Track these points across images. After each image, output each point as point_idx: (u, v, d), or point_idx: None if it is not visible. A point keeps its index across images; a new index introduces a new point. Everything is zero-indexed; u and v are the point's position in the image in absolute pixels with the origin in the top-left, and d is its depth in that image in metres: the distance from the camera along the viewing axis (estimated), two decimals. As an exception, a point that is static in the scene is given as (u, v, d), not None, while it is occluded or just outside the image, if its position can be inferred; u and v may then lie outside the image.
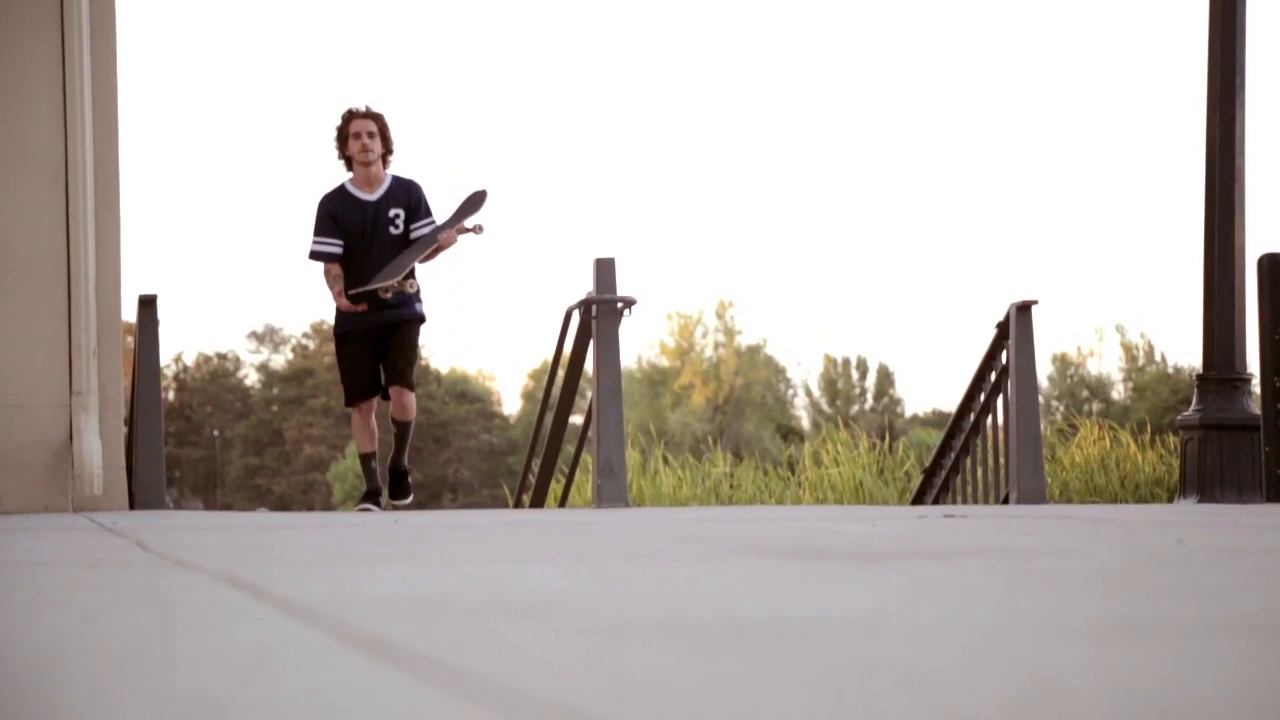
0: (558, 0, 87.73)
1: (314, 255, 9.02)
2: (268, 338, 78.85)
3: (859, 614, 2.17)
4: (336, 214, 9.01)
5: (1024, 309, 10.43)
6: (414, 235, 9.03)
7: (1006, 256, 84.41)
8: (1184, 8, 78.14)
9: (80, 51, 8.64)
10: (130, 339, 10.49)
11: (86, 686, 1.55)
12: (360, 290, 8.92)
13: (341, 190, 9.10)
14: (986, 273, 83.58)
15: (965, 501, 11.05)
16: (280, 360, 78.78)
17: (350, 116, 9.07)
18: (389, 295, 8.91)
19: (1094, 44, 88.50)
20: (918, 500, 11.76)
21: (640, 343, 75.31)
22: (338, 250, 8.97)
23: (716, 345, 73.75)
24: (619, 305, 9.89)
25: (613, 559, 3.54)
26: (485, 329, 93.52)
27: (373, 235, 8.98)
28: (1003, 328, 10.59)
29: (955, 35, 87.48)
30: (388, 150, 9.10)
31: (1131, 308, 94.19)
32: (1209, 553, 3.67)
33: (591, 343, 10.08)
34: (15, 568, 3.52)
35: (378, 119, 9.06)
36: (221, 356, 79.03)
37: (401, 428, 9.25)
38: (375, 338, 9.06)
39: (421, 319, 9.18)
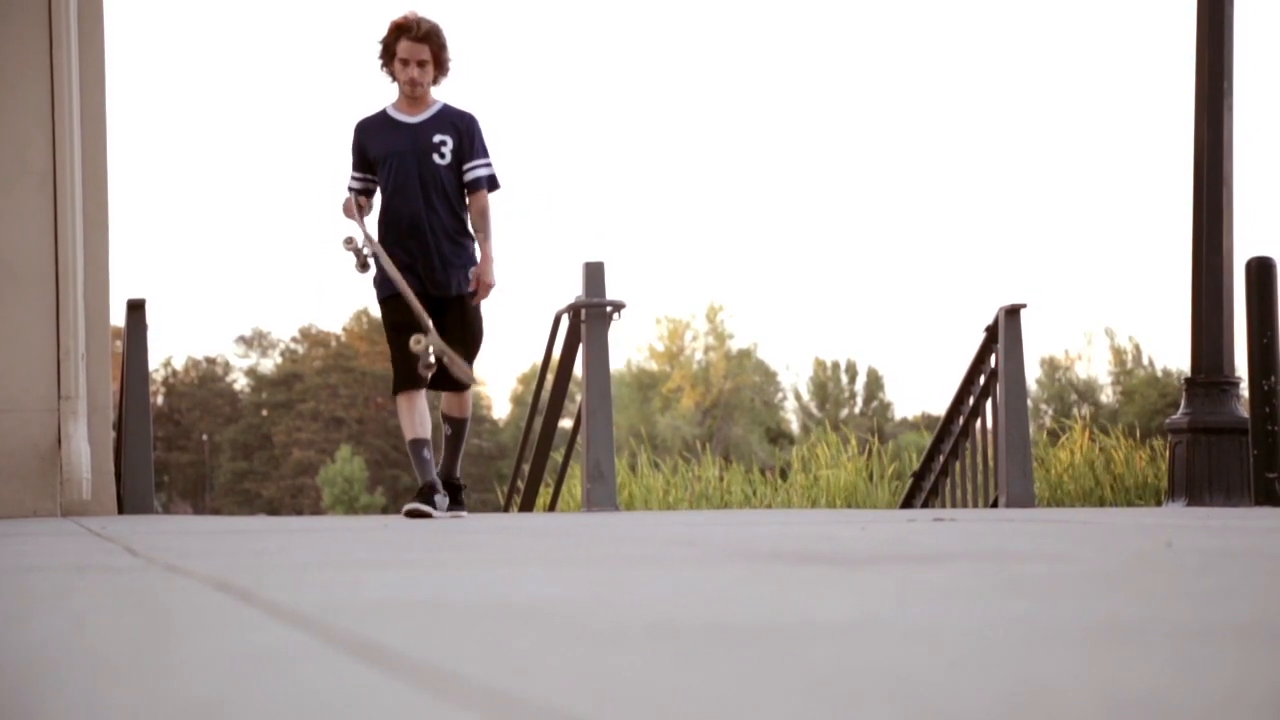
0: (547, 4, 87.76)
1: (348, 192, 7.90)
2: (256, 342, 78.78)
3: (849, 618, 2.17)
4: (365, 143, 7.82)
5: (1013, 312, 10.44)
6: (468, 178, 7.77)
7: (995, 260, 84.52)
8: (1172, 12, 78.32)
9: (68, 57, 8.64)
10: (119, 343, 10.48)
11: (75, 691, 1.55)
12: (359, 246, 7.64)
13: (380, 113, 7.89)
14: (975, 276, 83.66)
15: (954, 505, 11.06)
16: (269, 364, 78.73)
17: (399, 34, 7.71)
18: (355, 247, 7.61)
19: (1082, 48, 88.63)
20: (907, 504, 11.77)
21: (630, 347, 75.38)
22: (367, 187, 7.87)
23: (707, 349, 73.76)
24: (608, 309, 9.89)
25: (602, 563, 3.54)
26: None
27: (415, 162, 7.71)
28: (991, 331, 10.60)
29: (943, 39, 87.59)
30: (440, 73, 7.81)
31: (1120, 311, 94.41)
32: (1198, 556, 3.67)
33: (581, 347, 10.09)
34: (3, 573, 3.51)
35: (432, 40, 7.70)
36: (210, 361, 78.95)
37: (456, 427, 8.10)
38: (423, 297, 7.74)
39: (477, 291, 7.88)
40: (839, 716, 1.34)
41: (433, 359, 7.60)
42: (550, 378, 11.38)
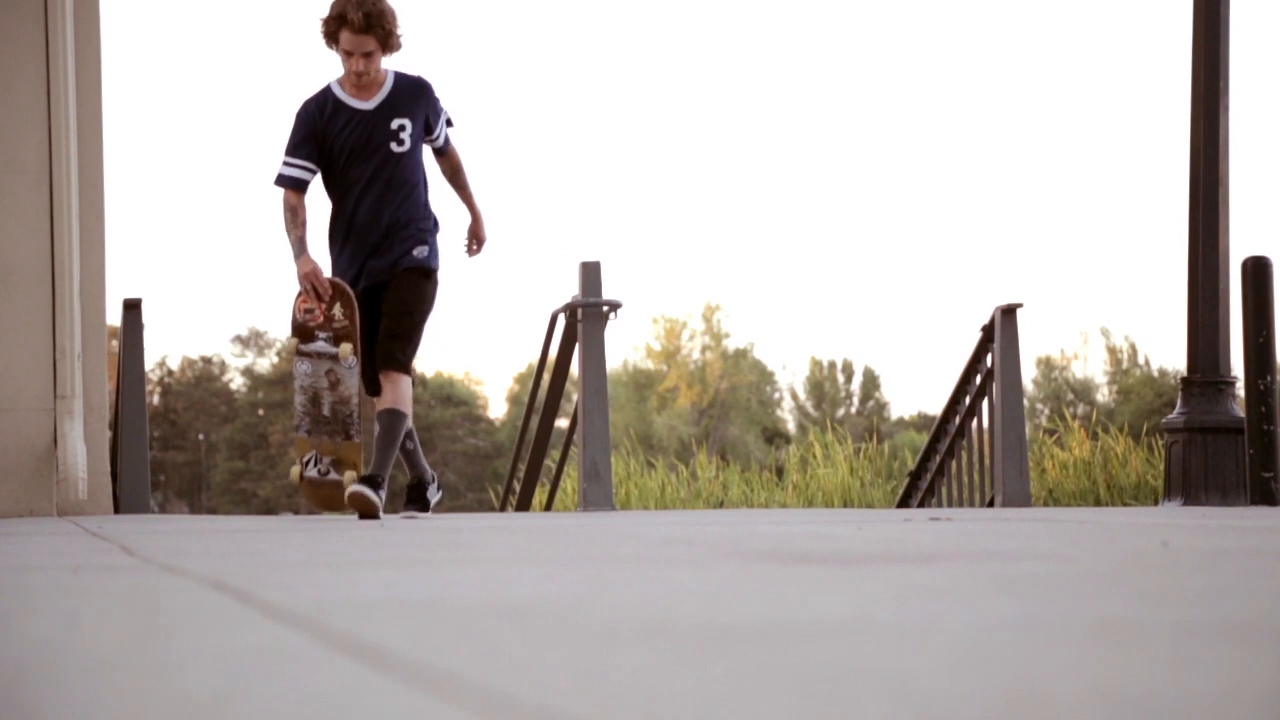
0: (543, 3, 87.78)
1: (279, 180, 7.07)
2: (252, 341, 78.75)
3: (845, 618, 2.17)
4: (317, 128, 7.02)
5: (1009, 312, 10.45)
6: (439, 144, 7.21)
7: (991, 259, 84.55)
8: (1168, 11, 78.39)
9: (64, 56, 8.63)
10: (115, 343, 10.48)
11: (72, 691, 1.55)
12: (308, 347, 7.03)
13: (328, 95, 7.08)
14: (971, 276, 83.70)
15: (950, 504, 11.06)
16: (265, 364, 78.66)
17: (340, 24, 6.88)
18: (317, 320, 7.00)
19: (1078, 47, 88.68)
20: (903, 503, 11.77)
21: (626, 346, 75.37)
22: (307, 176, 7.05)
23: (703, 349, 73.77)
24: (604, 309, 9.89)
25: (598, 563, 3.54)
26: (471, 332, 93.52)
27: (369, 155, 7.00)
28: (987, 331, 10.61)
29: (939, 39, 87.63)
30: (391, 51, 7.00)
31: (1116, 311, 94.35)
32: (1194, 555, 3.67)
33: (577, 346, 10.09)
34: (0, 572, 3.51)
35: (377, 31, 6.87)
36: (206, 360, 78.89)
37: (388, 419, 6.99)
38: (372, 301, 7.10)
39: (427, 269, 7.07)
40: (835, 716, 1.34)
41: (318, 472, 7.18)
42: (547, 377, 11.38)
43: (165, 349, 79.79)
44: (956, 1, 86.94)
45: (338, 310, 6.99)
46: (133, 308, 9.90)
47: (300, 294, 7.07)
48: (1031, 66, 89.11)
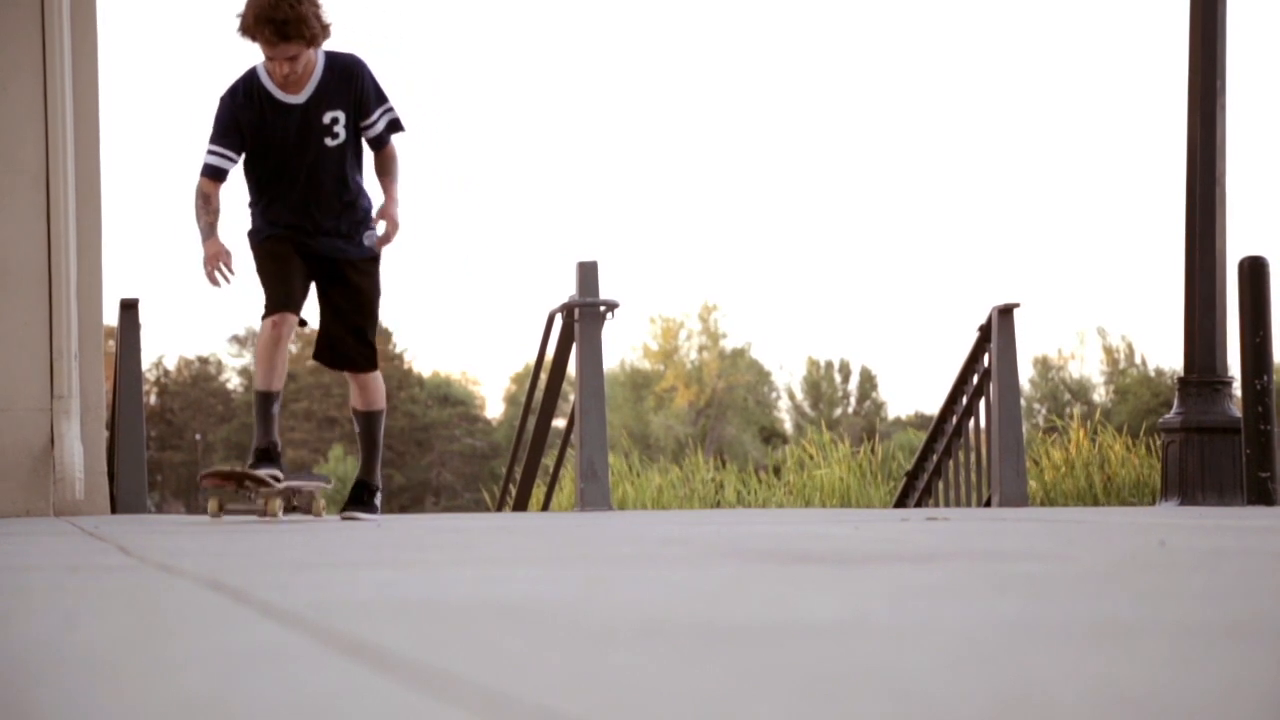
0: (541, 2, 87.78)
1: (202, 168, 6.74)
2: (249, 341, 78.74)
3: (841, 618, 2.17)
4: (242, 118, 6.66)
5: (1006, 312, 10.46)
6: (371, 135, 6.76)
7: (988, 259, 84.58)
8: (1165, 11, 78.40)
9: (61, 56, 8.63)
10: (111, 343, 10.48)
11: (68, 691, 1.54)
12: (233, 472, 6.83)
13: (253, 84, 6.70)
14: (968, 276, 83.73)
15: (948, 504, 11.06)
16: (262, 364, 78.60)
17: (252, 36, 6.49)
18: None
19: (1075, 47, 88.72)
20: (900, 503, 11.78)
21: (623, 346, 75.38)
22: (228, 165, 6.71)
23: (700, 349, 73.79)
24: (602, 308, 9.89)
25: (596, 562, 3.53)
26: (468, 332, 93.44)
27: (301, 151, 6.66)
28: (984, 330, 10.62)
29: (936, 39, 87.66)
30: (320, 44, 6.62)
31: (1113, 311, 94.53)
32: (1192, 555, 3.67)
33: (574, 346, 10.09)
34: (-4, 572, 3.50)
35: (297, 40, 6.47)
36: (203, 360, 78.91)
37: (367, 423, 7.08)
38: (309, 253, 6.78)
39: (374, 256, 6.88)
40: (832, 716, 1.34)
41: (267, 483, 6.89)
42: (544, 377, 11.38)
43: (162, 349, 79.90)
44: (956, 1, 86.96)
45: (249, 484, 6.86)
46: (129, 308, 9.91)
47: (204, 474, 6.89)
48: (1030, 67, 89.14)
